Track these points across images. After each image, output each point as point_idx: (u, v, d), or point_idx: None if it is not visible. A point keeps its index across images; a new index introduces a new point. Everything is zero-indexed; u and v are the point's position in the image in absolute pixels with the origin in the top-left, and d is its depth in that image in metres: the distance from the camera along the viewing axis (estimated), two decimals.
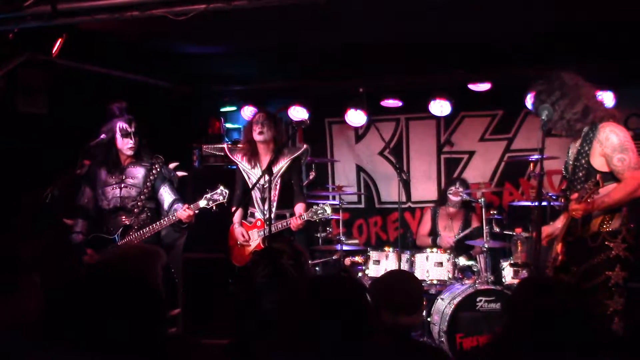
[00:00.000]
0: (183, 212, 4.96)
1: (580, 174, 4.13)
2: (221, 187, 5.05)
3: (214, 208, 5.08)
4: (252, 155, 5.67)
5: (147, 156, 5.25)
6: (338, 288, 2.12)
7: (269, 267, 2.81)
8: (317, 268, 6.49)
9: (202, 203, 5.04)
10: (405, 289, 3.29)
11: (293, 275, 2.83)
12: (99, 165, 5.20)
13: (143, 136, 5.21)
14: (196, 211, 5.00)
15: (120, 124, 5.12)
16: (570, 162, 4.26)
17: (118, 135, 5.12)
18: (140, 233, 5.02)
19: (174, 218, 5.00)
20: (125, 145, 5.12)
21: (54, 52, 5.52)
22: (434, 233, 6.96)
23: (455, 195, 6.74)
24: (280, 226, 5.42)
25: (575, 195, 4.00)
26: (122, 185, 5.14)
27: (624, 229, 4.02)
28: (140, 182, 5.14)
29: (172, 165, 5.33)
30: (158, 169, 5.17)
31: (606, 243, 4.01)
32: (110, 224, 5.14)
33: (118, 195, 5.13)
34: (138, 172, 5.17)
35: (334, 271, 5.81)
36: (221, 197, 5.04)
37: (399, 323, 3.19)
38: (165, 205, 5.15)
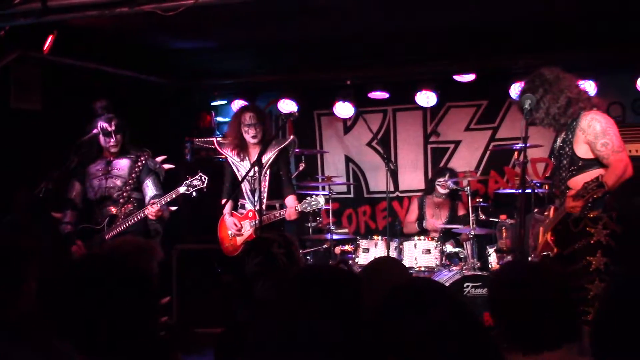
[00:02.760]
0: (150, 208, 5.07)
1: (565, 162, 4.19)
2: (200, 173, 5.16)
3: (194, 194, 5.19)
4: (242, 149, 5.72)
5: (133, 149, 5.37)
6: (337, 280, 2.14)
7: (260, 256, 2.86)
8: (307, 257, 6.59)
9: (182, 189, 5.15)
10: (391, 274, 3.39)
11: (284, 264, 2.90)
12: (87, 159, 5.31)
13: (126, 132, 5.31)
14: (169, 199, 5.10)
15: (101, 123, 5.22)
16: (556, 150, 4.32)
17: (100, 134, 5.24)
18: (125, 223, 5.13)
19: (141, 216, 5.12)
20: (107, 144, 5.25)
21: (45, 48, 5.58)
22: (421, 220, 7.08)
23: (444, 187, 6.87)
24: (272, 217, 5.50)
25: (572, 192, 4.02)
26: (108, 176, 5.26)
27: (605, 216, 4.06)
28: (125, 173, 5.25)
29: (159, 159, 5.41)
30: (143, 161, 5.28)
31: (587, 229, 4.06)
32: (98, 215, 5.26)
33: (104, 185, 5.24)
34: (124, 164, 5.29)
35: (333, 263, 5.89)
36: (200, 183, 5.14)
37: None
38: (147, 199, 5.26)
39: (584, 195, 3.89)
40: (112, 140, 5.22)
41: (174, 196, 5.15)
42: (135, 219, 5.14)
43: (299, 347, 1.59)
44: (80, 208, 5.33)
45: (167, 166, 5.42)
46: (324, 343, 1.59)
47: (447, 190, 6.87)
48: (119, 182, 5.24)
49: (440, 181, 6.92)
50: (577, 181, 4.04)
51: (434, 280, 2.61)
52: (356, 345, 1.67)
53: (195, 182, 5.16)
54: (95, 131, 5.23)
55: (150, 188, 5.27)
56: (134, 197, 5.27)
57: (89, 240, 5.19)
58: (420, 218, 7.08)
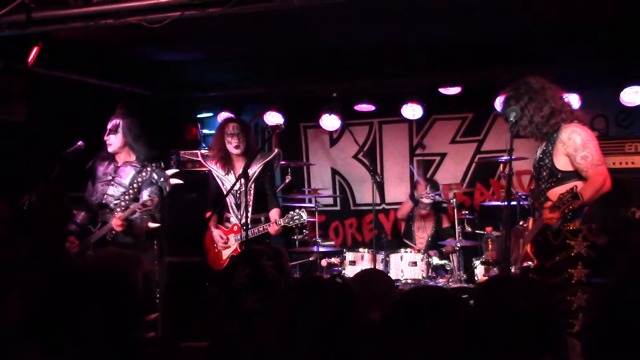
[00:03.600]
0: (115, 220, 4.98)
1: (544, 173, 4.23)
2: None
3: (169, 179, 5.07)
4: (226, 162, 5.71)
5: (141, 158, 5.28)
6: (333, 294, 2.11)
7: (248, 268, 2.85)
8: (294, 269, 6.58)
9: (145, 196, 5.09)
10: (377, 285, 3.39)
11: (273, 276, 2.89)
12: (99, 161, 5.31)
13: (128, 137, 5.25)
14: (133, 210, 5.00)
15: (108, 123, 5.25)
16: (536, 162, 4.36)
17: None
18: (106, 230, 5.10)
19: (108, 228, 5.06)
20: (106, 141, 5.23)
21: (30, 60, 5.55)
22: (407, 233, 7.08)
23: (426, 197, 6.88)
24: (257, 231, 5.48)
25: (549, 203, 4.04)
26: (112, 183, 5.22)
27: (584, 228, 4.10)
28: (127, 182, 5.21)
29: (170, 172, 5.26)
30: (148, 172, 5.17)
31: (567, 241, 4.09)
32: (100, 218, 5.23)
33: (105, 192, 5.21)
34: (128, 172, 5.24)
35: (329, 277, 5.87)
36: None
37: (372, 318, 3.28)
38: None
39: (560, 207, 3.91)
40: (107, 138, 5.21)
41: (139, 208, 4.98)
42: (105, 230, 5.10)
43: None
44: (94, 209, 5.29)
45: (174, 181, 5.22)
46: (323, 354, 1.59)
47: (430, 201, 6.90)
48: (119, 191, 5.19)
49: (422, 194, 6.95)
50: (556, 193, 4.06)
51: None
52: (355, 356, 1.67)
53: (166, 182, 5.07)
54: (80, 143, 5.20)
55: (142, 199, 5.12)
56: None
57: (83, 239, 5.18)
58: (408, 231, 7.09)
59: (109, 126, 5.23)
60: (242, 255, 3.19)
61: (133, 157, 5.28)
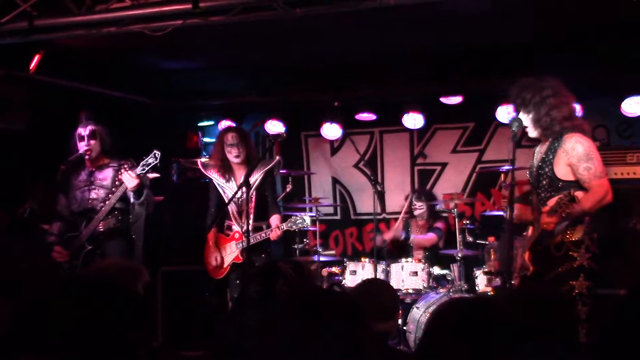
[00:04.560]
0: (127, 177, 5.07)
1: (544, 182, 4.20)
2: (155, 151, 5.11)
3: (150, 173, 5.16)
4: (226, 171, 5.71)
5: (116, 158, 5.34)
6: (331, 303, 2.06)
7: (262, 286, 2.78)
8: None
9: (139, 170, 5.11)
10: (378, 296, 3.37)
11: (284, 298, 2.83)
12: (70, 171, 5.28)
13: (104, 140, 5.28)
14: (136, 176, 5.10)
15: (78, 130, 5.24)
16: (534, 169, 4.32)
17: (77, 140, 5.23)
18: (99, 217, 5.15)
19: (122, 190, 5.14)
20: (81, 149, 5.21)
21: (31, 68, 5.56)
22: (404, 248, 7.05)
23: (417, 209, 6.95)
24: (258, 237, 5.46)
25: (547, 208, 4.00)
26: (91, 187, 5.24)
27: (587, 239, 4.07)
28: (108, 183, 5.23)
29: (151, 176, 5.34)
30: (126, 169, 5.20)
31: (570, 253, 4.06)
32: (81, 226, 5.22)
33: (87, 197, 5.22)
34: (107, 174, 5.27)
35: (326, 286, 5.85)
36: (154, 159, 5.09)
37: (374, 329, 3.26)
38: (133, 206, 5.29)
39: (557, 210, 3.87)
40: (84, 144, 5.19)
41: (138, 170, 5.09)
42: (106, 209, 5.15)
43: None
44: (69, 220, 5.29)
45: (152, 175, 5.35)
46: None
47: (422, 211, 6.94)
48: (102, 193, 5.21)
49: (415, 205, 6.99)
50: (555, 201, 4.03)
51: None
52: None
53: (150, 160, 5.10)
54: (81, 151, 5.21)
55: (132, 196, 5.22)
56: (118, 207, 5.25)
57: (70, 247, 5.17)
58: (406, 237, 7.08)
59: (86, 132, 5.21)
60: (262, 269, 3.09)
61: (106, 160, 5.31)
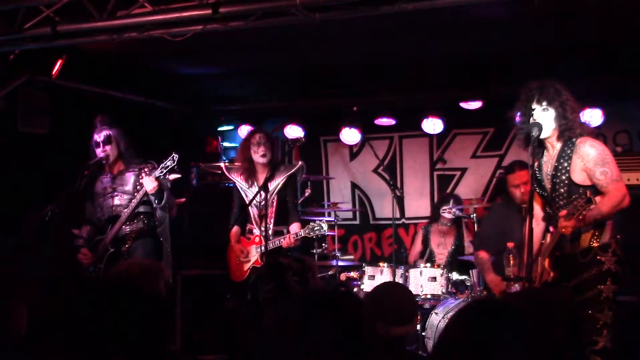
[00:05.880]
0: (147, 180, 5.11)
1: (562, 190, 4.12)
2: (173, 153, 5.15)
3: (169, 175, 5.19)
4: (250, 174, 5.72)
5: (136, 161, 5.37)
6: (335, 303, 2.09)
7: (273, 282, 2.80)
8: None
9: (157, 172, 5.14)
10: (396, 300, 3.35)
11: (297, 292, 2.85)
12: (93, 179, 5.33)
13: (121, 144, 5.31)
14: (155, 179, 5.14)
15: (94, 137, 5.28)
16: (547, 180, 4.23)
17: (94, 148, 5.28)
18: (121, 218, 5.19)
19: (142, 193, 5.17)
20: (98, 155, 5.26)
21: (54, 73, 5.62)
22: (425, 253, 7.00)
23: (450, 213, 6.82)
24: (277, 242, 5.46)
25: (564, 212, 3.95)
26: (114, 194, 5.28)
27: (613, 242, 4.03)
28: (130, 189, 5.27)
29: (171, 177, 5.36)
30: (147, 173, 5.23)
31: (598, 257, 4.00)
32: (108, 229, 5.28)
33: (111, 204, 5.26)
34: (128, 178, 5.31)
35: (331, 286, 5.86)
36: (172, 162, 5.13)
37: (391, 333, 3.25)
38: (156, 211, 5.32)
39: (574, 213, 3.83)
40: (99, 150, 5.24)
41: (157, 173, 5.13)
42: (128, 212, 5.20)
43: None
44: (97, 225, 5.36)
45: (173, 176, 5.36)
46: None
47: (452, 217, 6.84)
48: (125, 199, 5.26)
49: (445, 209, 6.88)
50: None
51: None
52: None
53: (168, 163, 5.14)
54: (102, 155, 5.26)
55: (153, 200, 5.25)
56: (142, 211, 5.29)
57: (95, 250, 5.24)
58: (425, 249, 7.02)
59: (100, 139, 5.26)
60: (268, 268, 3.14)
61: (126, 164, 5.35)
